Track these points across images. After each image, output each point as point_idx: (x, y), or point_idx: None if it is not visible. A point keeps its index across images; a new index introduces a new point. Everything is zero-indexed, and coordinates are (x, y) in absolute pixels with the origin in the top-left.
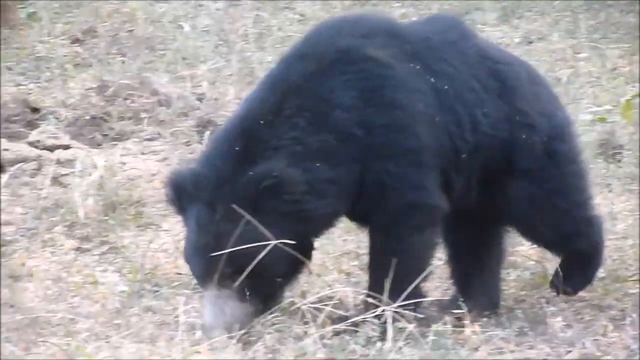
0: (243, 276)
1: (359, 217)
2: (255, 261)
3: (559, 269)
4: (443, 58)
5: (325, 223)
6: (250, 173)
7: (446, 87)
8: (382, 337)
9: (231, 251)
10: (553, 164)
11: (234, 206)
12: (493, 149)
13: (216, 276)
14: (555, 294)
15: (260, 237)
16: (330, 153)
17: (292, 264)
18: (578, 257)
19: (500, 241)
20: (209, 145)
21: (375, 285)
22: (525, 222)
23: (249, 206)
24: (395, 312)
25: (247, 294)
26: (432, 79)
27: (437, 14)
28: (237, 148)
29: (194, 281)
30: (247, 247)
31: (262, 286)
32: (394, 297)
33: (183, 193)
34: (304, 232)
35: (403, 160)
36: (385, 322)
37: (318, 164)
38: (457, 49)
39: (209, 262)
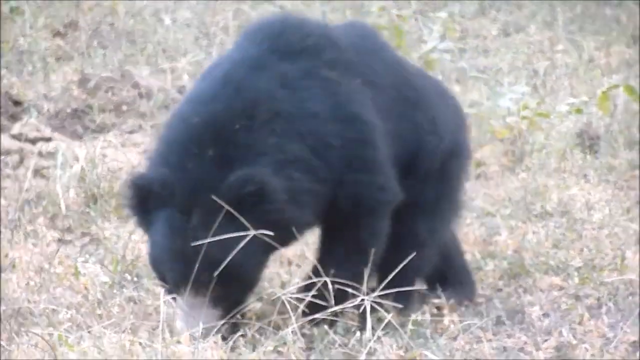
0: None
1: (327, 219)
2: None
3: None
4: (374, 69)
5: (300, 232)
6: (232, 178)
7: (380, 99)
8: (362, 326)
9: (209, 257)
10: (442, 174)
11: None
12: (409, 155)
13: (190, 283)
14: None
15: (237, 244)
16: (308, 163)
17: (263, 270)
18: None
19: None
20: (165, 146)
21: (349, 277)
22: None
23: (229, 212)
24: (374, 302)
25: (219, 300)
26: (370, 92)
27: (354, 21)
28: (210, 152)
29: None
30: (224, 253)
31: (234, 292)
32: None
33: (149, 196)
34: (280, 240)
35: (372, 169)
36: (364, 312)
37: (298, 174)
38: (380, 58)
39: (185, 268)
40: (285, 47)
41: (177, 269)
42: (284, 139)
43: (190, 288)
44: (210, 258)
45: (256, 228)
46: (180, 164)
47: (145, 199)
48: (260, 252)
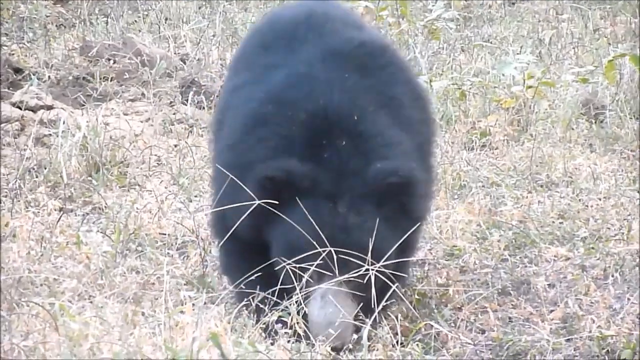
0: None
1: None
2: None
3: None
4: None
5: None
6: (378, 167)
7: None
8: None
9: (358, 243)
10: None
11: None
12: None
13: (337, 270)
14: None
15: (378, 230)
16: (416, 153)
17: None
18: None
19: None
20: (282, 139)
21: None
22: None
23: (374, 201)
24: (379, 273)
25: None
26: None
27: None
28: (343, 142)
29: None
30: (369, 239)
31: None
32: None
33: (289, 188)
34: (407, 230)
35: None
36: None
37: (415, 164)
38: None
39: (336, 255)
40: (337, 37)
41: (327, 256)
42: (397, 130)
43: (335, 275)
44: (359, 244)
45: (395, 217)
46: (314, 155)
47: (284, 191)
48: (395, 240)
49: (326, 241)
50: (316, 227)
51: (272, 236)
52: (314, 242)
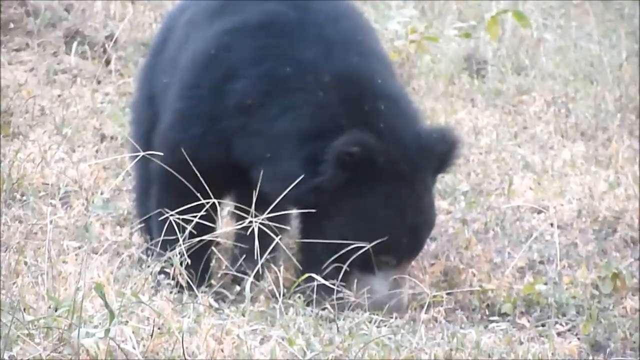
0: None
1: None
2: None
3: None
4: None
5: None
6: (429, 134)
7: None
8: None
9: (430, 226)
10: None
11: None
12: None
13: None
14: None
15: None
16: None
17: None
18: None
19: None
20: (323, 108)
21: None
22: None
23: (432, 172)
24: (262, 224)
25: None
26: None
27: None
28: (382, 107)
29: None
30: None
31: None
32: None
33: (367, 164)
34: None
35: None
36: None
37: None
38: None
39: (418, 242)
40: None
41: (411, 243)
42: (402, 88)
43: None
44: (431, 224)
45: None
46: (369, 125)
47: (361, 167)
48: None
49: (409, 224)
50: (399, 210)
51: (340, 213)
52: (396, 225)
